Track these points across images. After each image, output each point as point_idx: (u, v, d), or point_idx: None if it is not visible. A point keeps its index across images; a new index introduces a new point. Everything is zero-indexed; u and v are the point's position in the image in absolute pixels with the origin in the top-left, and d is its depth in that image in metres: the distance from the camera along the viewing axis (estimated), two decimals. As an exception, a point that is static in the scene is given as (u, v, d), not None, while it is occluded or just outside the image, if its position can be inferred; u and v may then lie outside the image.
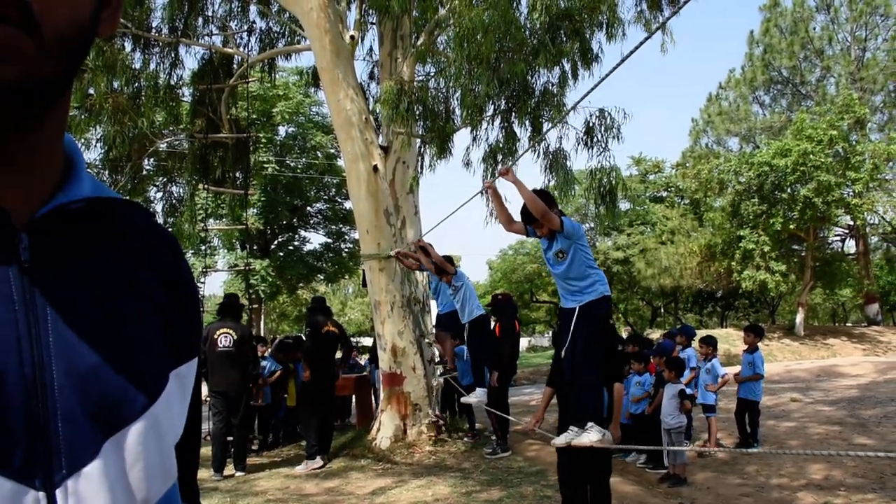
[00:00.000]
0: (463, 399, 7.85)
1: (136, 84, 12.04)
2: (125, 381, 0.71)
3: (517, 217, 5.00)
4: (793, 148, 23.76)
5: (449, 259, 7.52)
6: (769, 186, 24.65)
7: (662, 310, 41.37)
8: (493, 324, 8.91)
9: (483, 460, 8.50)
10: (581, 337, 4.56)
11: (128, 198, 0.83)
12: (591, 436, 4.42)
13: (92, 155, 13.54)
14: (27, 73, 0.61)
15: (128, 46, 11.79)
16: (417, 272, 9.53)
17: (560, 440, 4.61)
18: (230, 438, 8.71)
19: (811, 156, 23.32)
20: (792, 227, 24.97)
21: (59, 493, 0.64)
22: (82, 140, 12.96)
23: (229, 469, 8.58)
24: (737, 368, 17.01)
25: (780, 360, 23.17)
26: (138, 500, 0.71)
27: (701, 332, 10.63)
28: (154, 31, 11.99)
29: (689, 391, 7.89)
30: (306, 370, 10.32)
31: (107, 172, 13.06)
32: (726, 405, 11.91)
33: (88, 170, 0.79)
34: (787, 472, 7.42)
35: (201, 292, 26.47)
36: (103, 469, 0.67)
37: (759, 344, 9.28)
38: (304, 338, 10.40)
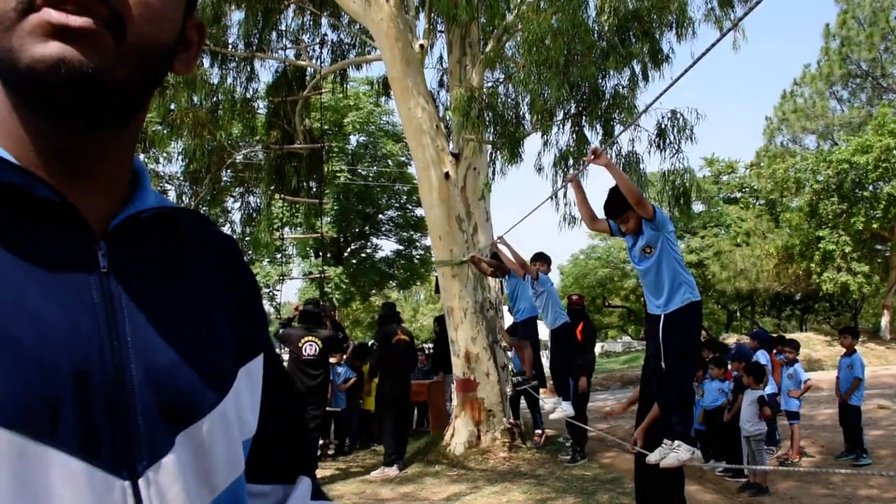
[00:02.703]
0: (549, 413, 7.71)
1: (214, 98, 12.42)
2: (197, 378, 0.76)
3: (599, 214, 4.72)
4: (874, 144, 22.89)
5: (544, 256, 7.41)
6: (849, 184, 23.81)
7: (738, 314, 40.33)
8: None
9: (558, 467, 8.46)
10: (669, 348, 4.29)
11: (186, 206, 0.89)
12: (680, 455, 4.23)
13: (173, 168, 14.07)
14: (104, 69, 0.67)
15: (206, 63, 12.17)
16: (491, 278, 9.55)
17: (654, 456, 4.38)
18: None
19: (894, 151, 22.43)
20: (875, 226, 24.06)
21: (141, 482, 0.68)
22: (164, 154, 13.46)
23: None
24: (816, 374, 16.49)
25: (865, 366, 22.30)
26: (207, 489, 0.76)
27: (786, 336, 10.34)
28: (231, 46, 12.35)
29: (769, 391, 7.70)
30: (368, 383, 10.46)
31: (188, 184, 13.51)
32: (809, 412, 11.56)
33: (170, 183, 0.86)
34: (876, 484, 7.14)
35: (277, 299, 27.07)
36: (178, 460, 0.72)
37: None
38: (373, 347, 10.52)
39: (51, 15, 0.64)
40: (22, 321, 0.64)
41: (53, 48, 0.64)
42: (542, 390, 9.54)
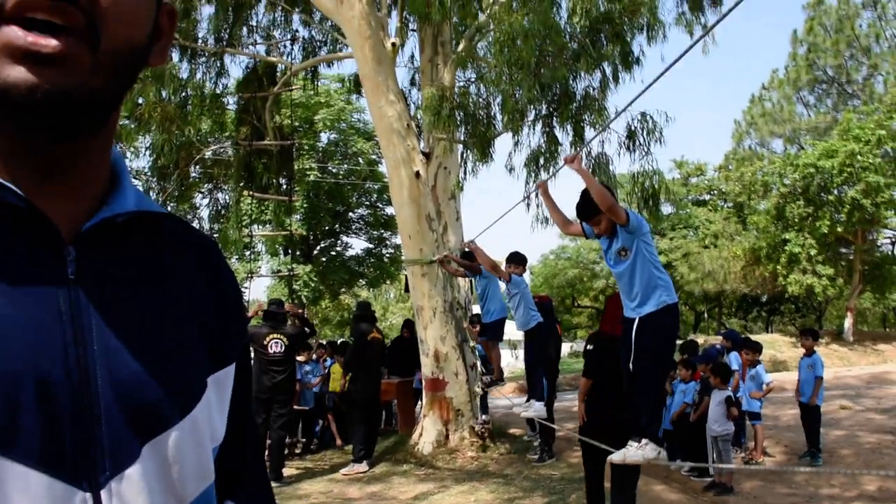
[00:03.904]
0: (521, 413, 7.73)
1: (184, 93, 12.25)
2: (165, 387, 0.74)
3: (571, 216, 4.68)
4: (839, 149, 23.28)
5: (519, 257, 7.35)
6: (815, 188, 24.17)
7: (706, 315, 40.82)
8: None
9: (526, 466, 8.47)
10: (642, 350, 4.25)
11: (169, 210, 0.86)
12: (646, 453, 4.24)
13: (141, 163, 13.89)
14: (81, 84, 0.65)
15: (175, 57, 12.01)
16: (460, 278, 9.54)
17: (618, 456, 4.43)
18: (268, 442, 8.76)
19: (859, 156, 22.82)
20: (839, 229, 24.47)
21: (103, 493, 0.67)
22: (132, 148, 13.29)
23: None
24: (782, 375, 16.72)
25: (828, 367, 22.57)
26: (175, 500, 0.74)
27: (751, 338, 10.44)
28: (200, 41, 12.21)
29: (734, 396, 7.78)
30: (343, 378, 10.48)
31: (155, 180, 13.35)
32: (773, 412, 11.72)
33: (137, 178, 0.82)
34: (838, 483, 7.25)
35: (245, 297, 26.89)
36: (143, 471, 0.70)
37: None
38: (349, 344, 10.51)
39: (17, 37, 0.62)
40: None
41: (28, 74, 0.62)
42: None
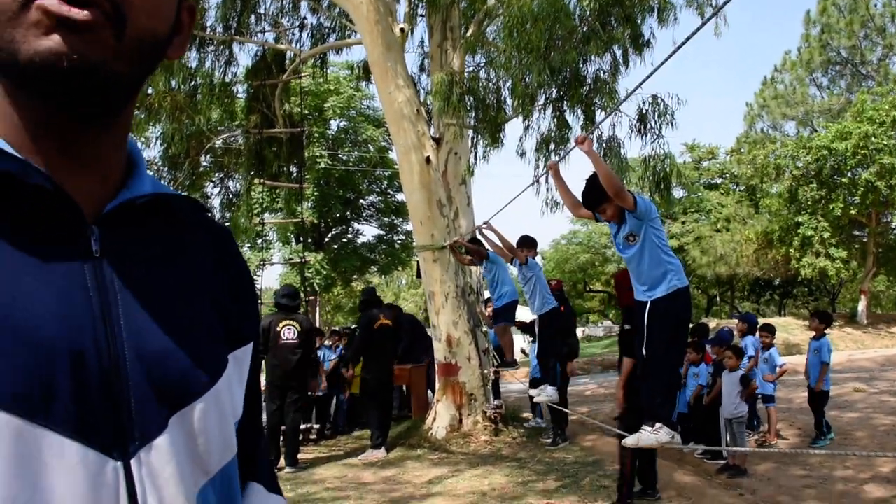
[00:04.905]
0: (534, 397, 7.72)
1: (193, 82, 12.26)
2: (189, 361, 0.77)
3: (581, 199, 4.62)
4: (853, 130, 23.08)
5: (529, 239, 7.29)
6: (828, 171, 24.01)
7: (718, 298, 40.69)
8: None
9: (539, 450, 8.50)
10: (654, 335, 4.25)
11: (185, 193, 0.90)
12: (659, 437, 4.25)
13: (151, 153, 13.90)
14: (104, 62, 0.68)
15: (184, 46, 12.01)
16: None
17: (631, 440, 4.44)
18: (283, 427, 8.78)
19: (873, 138, 22.62)
20: (853, 212, 24.31)
21: (133, 462, 0.70)
22: (142, 138, 13.32)
23: (280, 462, 8.59)
24: (795, 358, 16.67)
25: (841, 350, 22.54)
26: (200, 471, 0.78)
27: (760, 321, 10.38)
28: (209, 30, 12.19)
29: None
30: (349, 370, 10.54)
31: (166, 169, 13.39)
32: (786, 395, 11.69)
33: (148, 168, 0.85)
34: (852, 465, 7.23)
35: (258, 285, 26.97)
36: (171, 441, 0.74)
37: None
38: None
39: (53, 4, 0.64)
40: (18, 304, 0.66)
41: (56, 42, 0.65)
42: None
